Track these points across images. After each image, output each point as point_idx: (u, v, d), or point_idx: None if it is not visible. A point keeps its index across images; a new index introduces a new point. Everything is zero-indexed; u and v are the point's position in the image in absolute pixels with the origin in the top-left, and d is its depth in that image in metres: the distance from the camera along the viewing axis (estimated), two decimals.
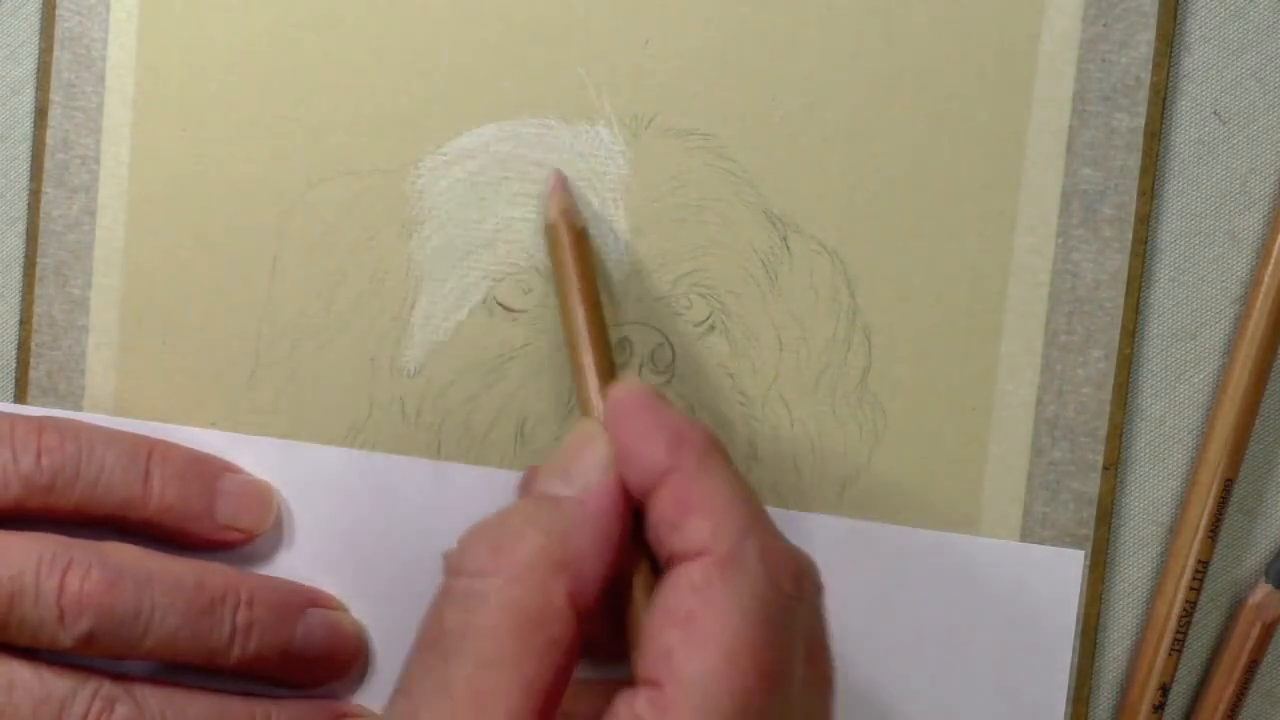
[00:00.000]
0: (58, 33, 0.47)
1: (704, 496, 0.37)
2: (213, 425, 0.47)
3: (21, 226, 0.48)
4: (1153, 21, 0.46)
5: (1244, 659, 0.47)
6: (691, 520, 0.37)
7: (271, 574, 0.47)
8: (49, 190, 0.48)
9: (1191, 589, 0.47)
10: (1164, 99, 0.46)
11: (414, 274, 0.47)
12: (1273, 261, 0.46)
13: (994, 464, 0.47)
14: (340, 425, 0.47)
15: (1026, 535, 0.47)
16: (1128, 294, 0.46)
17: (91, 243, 0.48)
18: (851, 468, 0.47)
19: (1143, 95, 0.46)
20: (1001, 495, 0.47)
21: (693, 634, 0.35)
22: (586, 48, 0.46)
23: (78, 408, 0.48)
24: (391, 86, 0.47)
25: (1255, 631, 0.47)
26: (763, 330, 0.47)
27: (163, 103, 0.47)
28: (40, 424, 0.45)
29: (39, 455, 0.44)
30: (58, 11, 0.47)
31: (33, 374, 0.48)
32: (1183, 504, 0.47)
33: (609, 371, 0.42)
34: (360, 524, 0.47)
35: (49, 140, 0.48)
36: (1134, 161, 0.46)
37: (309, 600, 0.46)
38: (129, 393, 0.48)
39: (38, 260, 0.48)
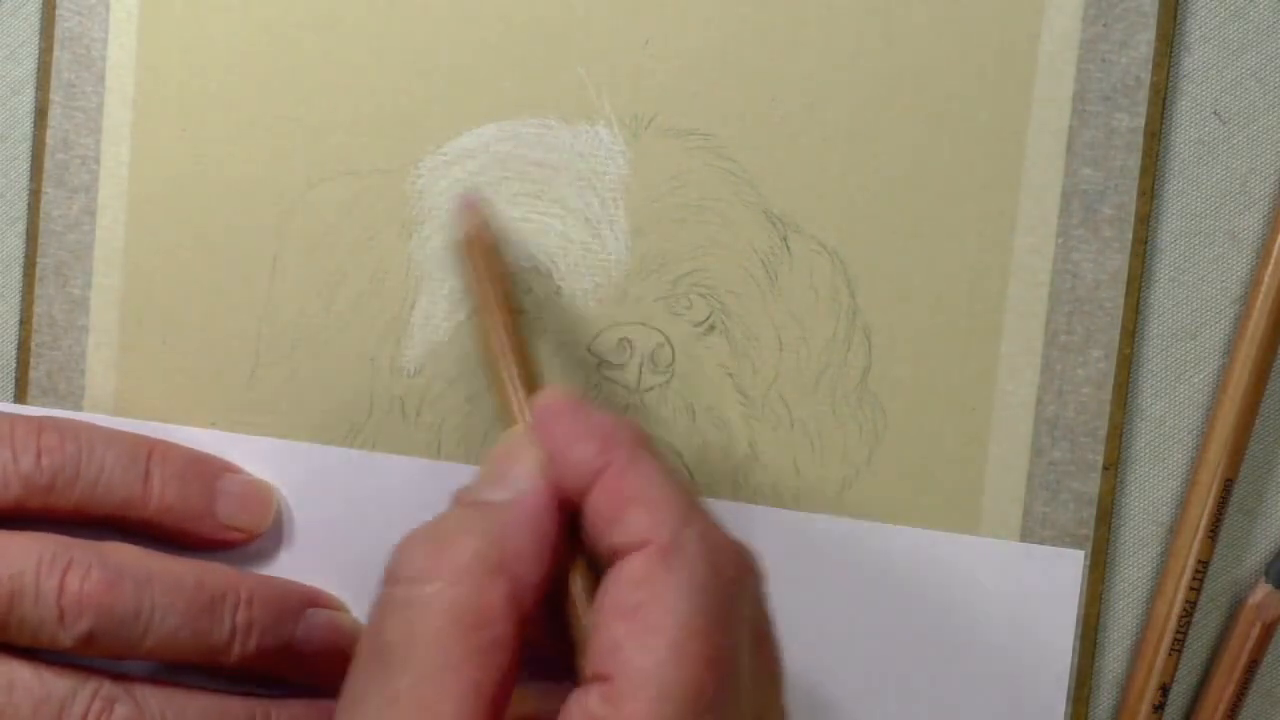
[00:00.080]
0: (58, 33, 0.47)
1: (639, 489, 0.37)
2: (213, 425, 0.47)
3: (21, 226, 0.48)
4: (1153, 21, 0.46)
5: (1244, 659, 0.47)
6: (629, 513, 0.37)
7: (271, 574, 0.47)
8: (49, 190, 0.48)
9: (1191, 589, 0.47)
10: (1164, 99, 0.46)
11: (414, 274, 0.47)
12: (1273, 261, 0.46)
13: (994, 464, 0.47)
14: (340, 425, 0.47)
15: (1026, 535, 0.47)
16: (1128, 294, 0.46)
17: (91, 243, 0.48)
18: (851, 468, 0.47)
19: (1143, 95, 0.46)
20: (1001, 495, 0.47)
21: (639, 625, 0.35)
22: (586, 48, 0.46)
23: (78, 408, 0.48)
24: (391, 86, 0.47)
25: (1255, 631, 0.47)
26: (763, 330, 0.47)
27: (163, 103, 0.47)
28: (40, 424, 0.45)
29: (39, 455, 0.44)
30: (58, 11, 0.47)
31: (33, 374, 0.48)
32: (1183, 504, 0.47)
33: (531, 383, 0.41)
34: (360, 524, 0.47)
35: (49, 140, 0.48)
36: (1134, 161, 0.46)
37: (309, 600, 0.46)
38: (129, 393, 0.48)
39: (38, 260, 0.48)
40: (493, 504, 0.38)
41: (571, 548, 0.39)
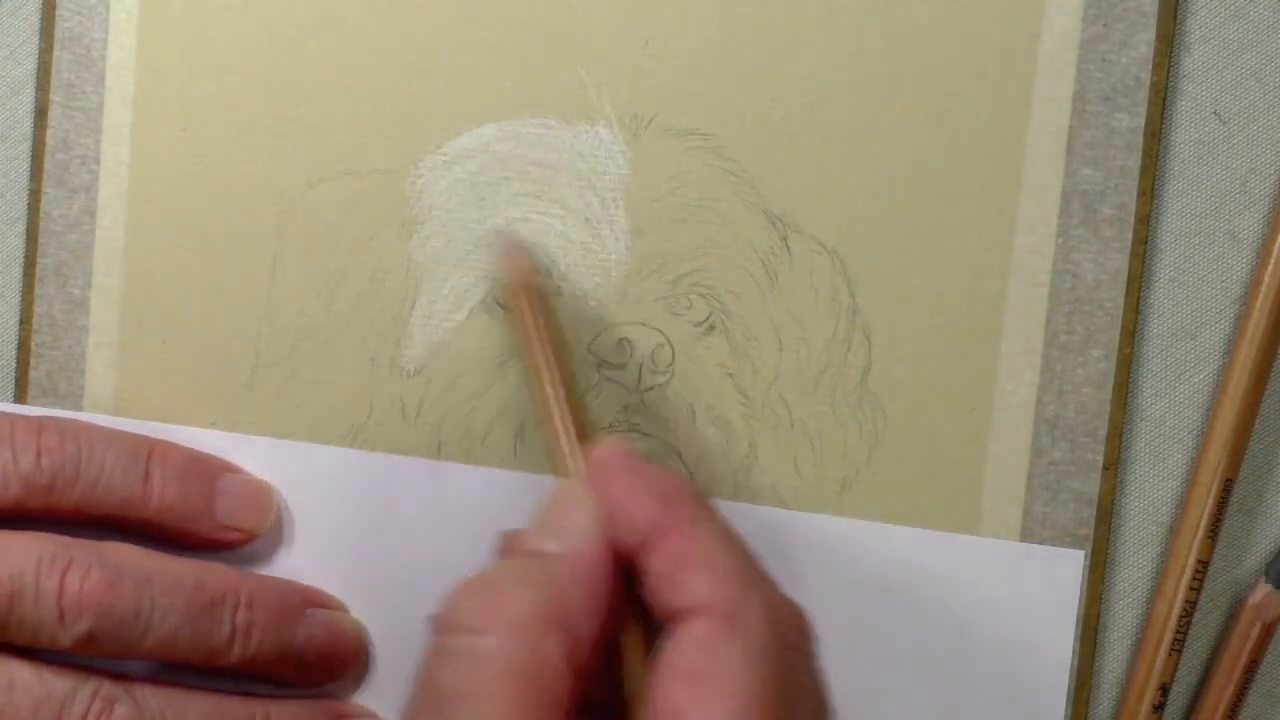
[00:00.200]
0: (58, 33, 0.47)
1: (700, 551, 0.37)
2: (213, 425, 0.47)
3: (21, 226, 0.48)
4: (1153, 21, 0.46)
5: (1244, 659, 0.47)
6: (690, 575, 0.37)
7: (271, 574, 0.47)
8: (49, 190, 0.48)
9: (1191, 589, 0.47)
10: (1164, 99, 0.46)
11: (414, 274, 0.47)
12: (1273, 261, 0.46)
13: (994, 464, 0.47)
14: (340, 425, 0.47)
15: (1026, 535, 0.47)
16: (1128, 294, 0.46)
17: (91, 243, 0.48)
18: (851, 468, 0.47)
19: (1143, 95, 0.46)
20: (1001, 495, 0.47)
21: (702, 691, 0.35)
22: (586, 48, 0.46)
23: (78, 408, 0.48)
24: (391, 86, 0.47)
25: (1255, 631, 0.47)
26: (763, 330, 0.47)
27: (163, 103, 0.47)
28: (40, 424, 0.45)
29: (39, 455, 0.44)
30: (58, 11, 0.47)
31: (33, 374, 0.48)
32: (1183, 504, 0.47)
33: (583, 433, 0.41)
34: (360, 524, 0.47)
35: (49, 140, 0.48)
36: (1134, 161, 0.46)
37: (309, 600, 0.46)
38: (129, 393, 0.48)
39: (38, 260, 0.48)
40: (548, 555, 0.38)
41: (624, 602, 0.39)
